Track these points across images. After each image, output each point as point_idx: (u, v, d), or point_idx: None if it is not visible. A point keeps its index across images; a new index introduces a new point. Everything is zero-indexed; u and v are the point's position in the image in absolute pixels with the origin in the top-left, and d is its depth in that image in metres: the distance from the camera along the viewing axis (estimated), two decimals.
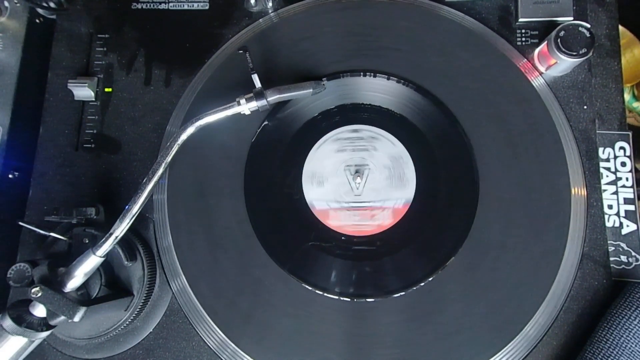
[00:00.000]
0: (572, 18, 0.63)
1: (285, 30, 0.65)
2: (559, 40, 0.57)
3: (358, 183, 0.61)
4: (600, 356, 0.52)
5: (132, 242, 0.58)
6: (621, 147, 0.60)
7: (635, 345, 0.51)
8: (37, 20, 0.69)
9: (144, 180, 0.53)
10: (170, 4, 0.69)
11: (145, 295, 0.57)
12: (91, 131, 0.65)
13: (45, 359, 0.59)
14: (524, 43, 0.64)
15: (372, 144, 0.62)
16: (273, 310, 0.57)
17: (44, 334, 0.49)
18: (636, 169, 0.61)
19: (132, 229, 0.54)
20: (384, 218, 0.60)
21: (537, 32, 0.64)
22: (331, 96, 0.63)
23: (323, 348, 0.56)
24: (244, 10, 0.68)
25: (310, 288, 0.58)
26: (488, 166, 0.59)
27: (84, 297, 0.52)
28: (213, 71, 0.65)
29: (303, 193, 0.61)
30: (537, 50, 0.63)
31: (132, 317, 0.56)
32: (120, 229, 0.51)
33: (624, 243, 0.58)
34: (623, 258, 0.58)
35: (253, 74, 0.57)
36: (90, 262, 0.50)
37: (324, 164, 0.62)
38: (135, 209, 0.52)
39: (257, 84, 0.57)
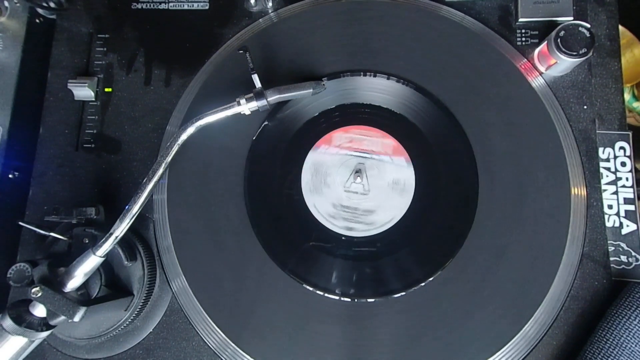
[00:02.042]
0: (572, 18, 0.63)
1: (285, 30, 0.65)
2: (559, 40, 0.57)
3: (358, 183, 0.61)
4: (600, 356, 0.52)
5: (132, 242, 0.58)
6: (621, 147, 0.60)
7: (635, 345, 0.51)
8: (37, 20, 0.69)
9: (144, 180, 0.53)
10: (170, 4, 0.69)
11: (145, 295, 0.57)
12: (91, 131, 0.65)
13: (45, 359, 0.59)
14: (524, 43, 0.64)
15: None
16: (273, 311, 0.57)
17: (44, 334, 0.49)
18: (636, 169, 0.61)
19: (132, 229, 0.54)
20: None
21: (537, 32, 0.64)
22: (331, 96, 0.63)
23: (323, 348, 0.56)
24: (244, 10, 0.68)
25: (310, 288, 0.58)
26: (488, 166, 0.59)
27: (84, 297, 0.52)
28: (213, 71, 0.65)
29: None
30: (537, 50, 0.63)
31: (132, 317, 0.56)
32: (120, 229, 0.51)
33: (624, 243, 0.58)
34: (623, 258, 0.58)
35: (253, 74, 0.57)
36: (90, 262, 0.50)
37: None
38: (135, 209, 0.52)
39: (257, 84, 0.57)
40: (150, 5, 0.69)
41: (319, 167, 0.62)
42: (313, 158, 0.62)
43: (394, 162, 0.61)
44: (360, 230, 0.60)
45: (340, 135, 0.62)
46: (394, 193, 0.60)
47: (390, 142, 0.61)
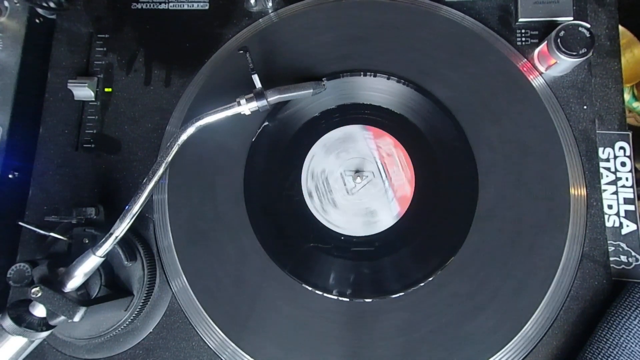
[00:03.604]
0: (572, 18, 0.63)
1: (285, 30, 0.65)
2: (559, 40, 0.57)
3: (357, 183, 0.61)
4: (600, 356, 0.52)
5: (132, 242, 0.58)
6: (621, 147, 0.60)
7: (635, 345, 0.51)
8: (37, 20, 0.69)
9: (144, 180, 0.53)
10: (170, 4, 0.69)
11: (145, 295, 0.57)
12: (91, 131, 0.65)
13: (45, 359, 0.59)
14: (523, 43, 0.64)
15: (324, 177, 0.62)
16: (273, 311, 0.57)
17: (44, 334, 0.49)
18: (636, 169, 0.61)
19: (132, 229, 0.54)
20: (387, 144, 0.60)
21: (537, 32, 0.64)
22: (331, 96, 0.63)
23: (322, 348, 0.56)
24: (244, 10, 0.68)
25: (310, 288, 0.58)
26: (487, 166, 0.59)
27: (84, 297, 0.52)
28: (213, 71, 0.65)
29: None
30: (537, 50, 0.63)
31: (132, 317, 0.56)
32: (120, 229, 0.51)
33: (624, 243, 0.58)
34: (623, 258, 0.58)
35: (253, 74, 0.57)
36: (90, 262, 0.50)
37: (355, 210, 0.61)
38: (135, 209, 0.52)
39: (258, 84, 0.57)
40: (150, 5, 0.69)
41: (349, 139, 0.62)
42: (354, 131, 0.62)
43: (390, 204, 0.60)
44: (313, 207, 0.60)
45: (388, 142, 0.61)
46: (362, 218, 0.60)
47: (408, 190, 0.60)
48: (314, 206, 0.60)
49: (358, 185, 0.61)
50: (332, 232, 0.60)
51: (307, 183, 0.61)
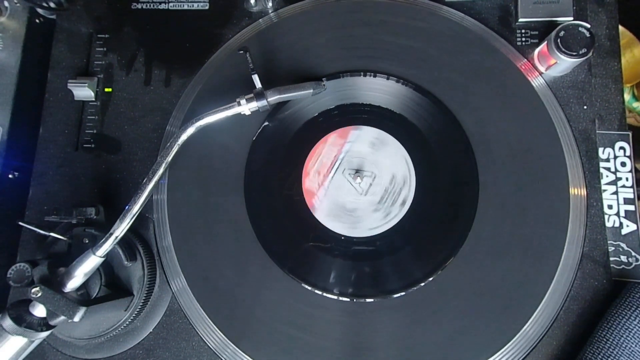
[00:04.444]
0: (572, 18, 0.63)
1: (285, 30, 0.65)
2: (559, 40, 0.57)
3: (358, 183, 0.61)
4: (600, 356, 0.52)
5: (132, 242, 0.58)
6: (621, 147, 0.60)
7: (635, 345, 0.51)
8: (37, 20, 0.69)
9: (144, 181, 0.53)
10: (170, 4, 0.69)
11: (145, 295, 0.57)
12: (91, 131, 0.65)
13: (45, 359, 0.59)
14: (523, 43, 0.64)
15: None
16: (273, 310, 0.57)
17: (44, 334, 0.49)
18: (636, 169, 0.61)
19: (132, 229, 0.54)
20: (312, 182, 0.60)
21: (537, 32, 0.64)
22: (331, 96, 0.63)
23: (323, 348, 0.56)
24: (244, 10, 0.68)
25: (309, 288, 0.58)
26: (488, 166, 0.59)
27: (84, 297, 0.52)
28: (213, 71, 0.65)
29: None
30: (537, 50, 0.63)
31: (132, 317, 0.56)
32: (120, 229, 0.51)
33: (624, 243, 0.58)
34: (623, 258, 0.58)
35: (253, 74, 0.57)
36: (90, 262, 0.50)
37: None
38: (135, 209, 0.52)
39: (258, 84, 0.58)
40: (150, 5, 0.69)
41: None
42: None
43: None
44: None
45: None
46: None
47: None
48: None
49: (365, 185, 0.61)
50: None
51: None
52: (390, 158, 0.61)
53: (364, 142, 0.62)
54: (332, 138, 0.62)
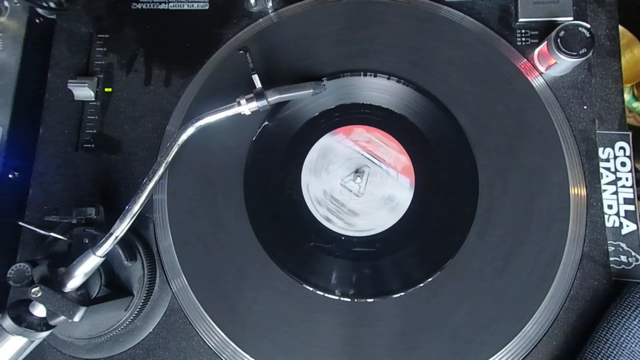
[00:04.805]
0: (572, 18, 0.63)
1: (285, 30, 0.65)
2: (559, 40, 0.57)
3: (357, 182, 0.61)
4: (600, 356, 0.52)
5: (132, 242, 0.58)
6: (621, 147, 0.60)
7: (635, 345, 0.51)
8: (37, 20, 0.69)
9: (144, 180, 0.53)
10: (170, 4, 0.69)
11: (145, 295, 0.57)
12: (91, 131, 0.65)
13: (45, 359, 0.59)
14: (523, 43, 0.64)
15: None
16: (273, 311, 0.57)
17: (44, 334, 0.49)
18: (636, 169, 0.61)
19: (132, 229, 0.54)
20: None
21: (537, 32, 0.64)
22: (331, 96, 0.63)
23: (323, 348, 0.56)
24: (244, 10, 0.68)
25: (310, 289, 0.58)
26: (488, 166, 0.59)
27: (84, 297, 0.52)
28: (213, 71, 0.65)
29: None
30: (537, 50, 0.63)
31: (132, 317, 0.56)
32: (120, 229, 0.51)
33: (624, 243, 0.58)
34: (623, 258, 0.58)
35: (253, 74, 0.57)
36: (90, 262, 0.50)
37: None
38: (136, 209, 0.52)
39: (258, 84, 0.58)
40: (150, 5, 0.69)
41: (327, 151, 0.62)
42: (327, 141, 0.62)
43: (399, 180, 0.61)
44: (338, 227, 0.60)
45: (361, 132, 0.62)
46: (384, 208, 0.60)
47: (404, 159, 0.61)
48: (339, 227, 0.60)
49: (362, 184, 0.61)
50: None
51: (318, 211, 0.61)
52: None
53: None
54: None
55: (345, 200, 0.61)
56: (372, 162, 0.61)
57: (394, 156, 0.61)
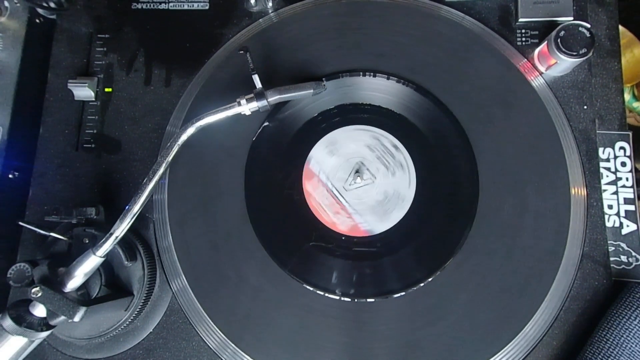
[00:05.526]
0: (572, 18, 0.63)
1: (285, 30, 0.65)
2: (559, 40, 0.57)
3: (356, 181, 0.61)
4: (600, 356, 0.52)
5: (132, 242, 0.58)
6: (621, 147, 0.60)
7: (635, 345, 0.51)
8: (37, 20, 0.69)
9: (144, 181, 0.53)
10: (170, 4, 0.69)
11: (145, 295, 0.57)
12: (91, 131, 0.65)
13: (45, 359, 0.59)
14: (524, 43, 0.64)
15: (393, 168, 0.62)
16: (273, 311, 0.57)
17: (44, 334, 0.49)
18: (636, 169, 0.61)
19: (132, 229, 0.54)
20: (343, 222, 0.60)
21: (537, 32, 0.64)
22: (331, 96, 0.63)
23: (323, 348, 0.56)
24: (244, 10, 0.68)
25: (310, 288, 0.58)
26: (487, 166, 0.59)
27: (84, 297, 0.52)
28: (213, 71, 0.65)
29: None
30: (537, 50, 0.63)
31: (132, 317, 0.56)
32: (121, 229, 0.51)
33: (624, 243, 0.58)
34: (623, 258, 0.58)
35: (253, 74, 0.57)
36: (90, 262, 0.50)
37: (346, 141, 0.62)
38: (136, 209, 0.52)
39: (258, 84, 0.57)
40: (150, 5, 0.69)
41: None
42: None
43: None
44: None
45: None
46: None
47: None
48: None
49: (362, 180, 0.61)
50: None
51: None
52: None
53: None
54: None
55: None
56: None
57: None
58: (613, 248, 0.58)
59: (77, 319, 0.48)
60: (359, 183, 0.61)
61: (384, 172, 0.61)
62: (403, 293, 0.57)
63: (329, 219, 0.60)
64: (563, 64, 0.59)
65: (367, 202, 0.61)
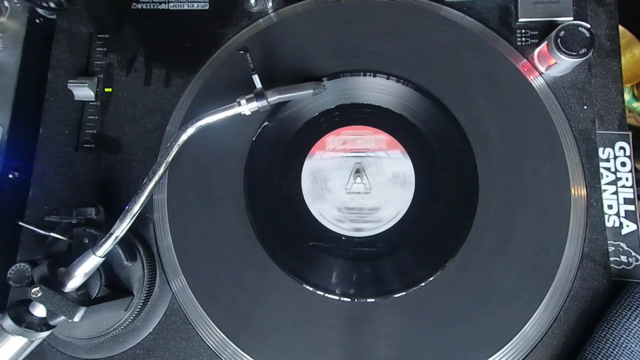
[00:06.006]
0: (572, 18, 0.63)
1: (285, 30, 0.65)
2: (559, 40, 0.57)
3: (359, 183, 0.61)
4: (600, 356, 0.52)
5: (132, 242, 0.58)
6: (621, 147, 0.60)
7: (635, 345, 0.51)
8: (37, 20, 0.69)
9: (144, 181, 0.53)
10: (170, 4, 0.69)
11: (145, 295, 0.57)
12: (91, 131, 0.65)
13: (45, 359, 0.59)
14: (524, 43, 0.64)
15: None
16: (273, 311, 0.57)
17: (44, 334, 0.49)
18: (636, 169, 0.61)
19: (132, 229, 0.54)
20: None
21: (537, 32, 0.64)
22: (331, 96, 0.63)
23: (323, 348, 0.56)
24: (244, 10, 0.68)
25: (310, 288, 0.58)
26: (487, 166, 0.59)
27: (84, 297, 0.52)
28: (213, 71, 0.65)
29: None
30: (537, 51, 0.63)
31: (132, 317, 0.56)
32: (121, 229, 0.51)
33: (624, 243, 0.58)
34: (623, 258, 0.58)
35: (254, 74, 0.57)
36: (90, 262, 0.50)
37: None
38: (136, 209, 0.52)
39: (258, 84, 0.57)
40: (150, 5, 0.69)
41: (317, 174, 0.62)
42: (310, 166, 0.62)
43: (390, 156, 0.61)
44: (369, 230, 0.60)
45: (333, 139, 0.62)
46: (396, 187, 0.60)
47: (383, 137, 0.62)
48: (370, 230, 0.60)
49: (365, 180, 0.61)
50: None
51: (344, 228, 0.60)
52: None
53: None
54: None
55: (360, 203, 0.61)
56: (360, 156, 0.62)
57: (373, 139, 0.62)
58: (613, 248, 0.58)
59: (77, 319, 0.48)
60: (360, 183, 0.61)
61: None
62: (403, 293, 0.57)
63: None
64: (563, 64, 0.59)
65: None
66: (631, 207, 0.59)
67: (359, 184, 0.61)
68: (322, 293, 0.57)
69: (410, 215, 0.60)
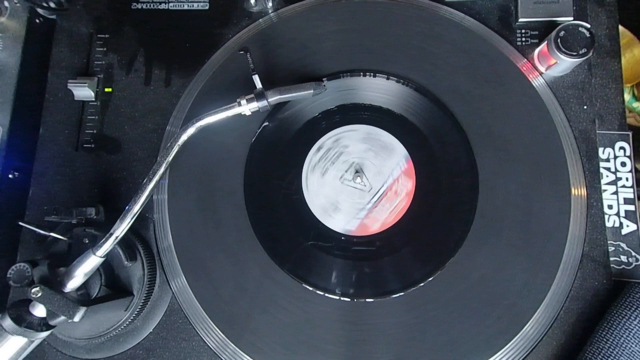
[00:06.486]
0: (572, 18, 0.63)
1: (285, 30, 0.65)
2: (559, 40, 0.57)
3: (361, 182, 0.61)
4: (600, 356, 0.52)
5: (132, 242, 0.58)
6: (621, 147, 0.60)
7: (635, 345, 0.51)
8: (37, 20, 0.69)
9: (145, 181, 0.53)
10: (170, 4, 0.69)
11: (145, 295, 0.57)
12: (91, 131, 0.65)
13: (45, 359, 0.59)
14: (524, 43, 0.64)
15: (341, 148, 0.62)
16: (273, 310, 0.57)
17: (44, 334, 0.49)
18: (636, 169, 0.61)
19: (132, 229, 0.54)
20: (405, 185, 0.60)
21: (537, 32, 0.64)
22: (331, 96, 0.63)
23: (323, 348, 0.56)
24: (244, 10, 0.68)
25: (310, 288, 0.58)
26: (487, 166, 0.59)
27: (84, 297, 0.52)
28: (213, 71, 0.65)
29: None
30: (537, 50, 0.63)
31: (132, 317, 0.56)
32: (121, 229, 0.51)
33: (624, 243, 0.58)
34: (623, 258, 0.58)
35: (254, 74, 0.57)
36: (90, 262, 0.50)
37: (326, 192, 0.61)
38: (136, 209, 0.52)
39: (258, 84, 0.57)
40: (150, 5, 0.69)
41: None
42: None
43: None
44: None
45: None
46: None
47: (377, 225, 0.60)
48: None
49: (365, 179, 0.61)
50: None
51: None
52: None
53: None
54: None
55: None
56: (375, 194, 0.61)
57: (381, 215, 0.60)
58: (613, 248, 0.58)
59: (77, 319, 0.48)
60: (358, 182, 0.61)
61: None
62: (402, 293, 0.57)
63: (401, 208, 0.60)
64: (563, 64, 0.59)
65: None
66: (631, 207, 0.59)
67: (359, 184, 0.61)
68: (321, 293, 0.57)
69: (409, 215, 0.60)
